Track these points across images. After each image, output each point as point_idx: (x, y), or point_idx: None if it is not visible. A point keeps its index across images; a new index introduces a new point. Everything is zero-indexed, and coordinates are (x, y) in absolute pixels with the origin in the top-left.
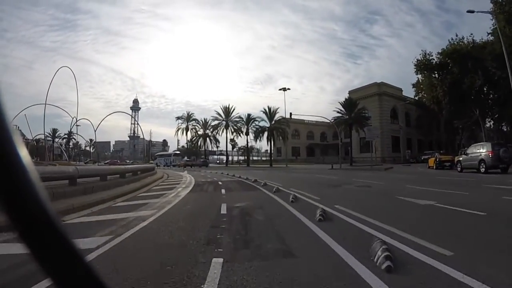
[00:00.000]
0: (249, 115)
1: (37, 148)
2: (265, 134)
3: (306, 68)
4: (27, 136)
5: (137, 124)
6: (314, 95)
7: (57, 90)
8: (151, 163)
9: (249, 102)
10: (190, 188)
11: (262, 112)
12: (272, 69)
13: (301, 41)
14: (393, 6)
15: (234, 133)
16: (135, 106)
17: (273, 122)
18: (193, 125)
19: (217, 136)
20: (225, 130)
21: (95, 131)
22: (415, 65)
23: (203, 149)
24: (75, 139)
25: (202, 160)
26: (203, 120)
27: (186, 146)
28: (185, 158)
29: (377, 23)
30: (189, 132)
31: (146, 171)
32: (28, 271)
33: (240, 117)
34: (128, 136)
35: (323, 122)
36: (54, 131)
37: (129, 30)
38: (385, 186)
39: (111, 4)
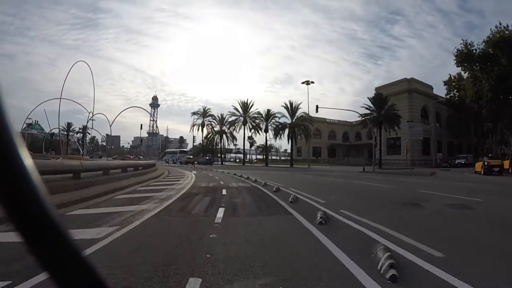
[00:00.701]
0: (268, 110)
1: (51, 142)
2: (286, 131)
3: (326, 68)
4: (45, 130)
5: (154, 120)
6: (334, 96)
7: (79, 87)
8: (152, 159)
9: (269, 101)
10: (167, 204)
11: (283, 108)
12: (292, 69)
13: (321, 41)
14: (414, 6)
15: (252, 130)
16: (154, 103)
17: (294, 118)
18: (209, 121)
19: (234, 133)
20: (242, 127)
21: (110, 126)
22: (455, 55)
23: (220, 146)
24: (89, 133)
25: (206, 158)
26: (220, 116)
27: (202, 143)
28: (186, 155)
29: (398, 24)
30: (205, 129)
31: (146, 167)
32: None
33: (259, 113)
34: (147, 133)
35: (345, 121)
36: (69, 125)
37: (150, 29)
38: (499, 206)
39: (132, 3)
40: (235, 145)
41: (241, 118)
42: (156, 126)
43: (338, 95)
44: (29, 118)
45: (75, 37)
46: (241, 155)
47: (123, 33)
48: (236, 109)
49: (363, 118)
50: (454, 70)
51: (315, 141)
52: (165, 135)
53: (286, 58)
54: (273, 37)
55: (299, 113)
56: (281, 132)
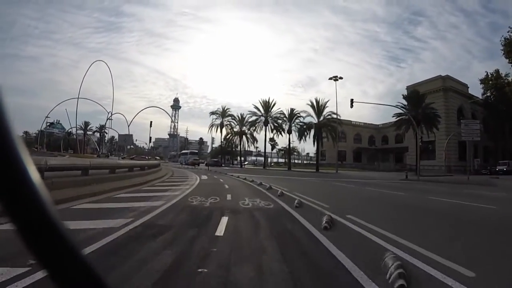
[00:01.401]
0: (292, 110)
1: (68, 141)
2: (311, 133)
3: (349, 71)
4: (66, 130)
5: (175, 122)
6: (356, 99)
7: (102, 88)
8: (157, 158)
9: (291, 105)
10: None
11: (307, 108)
12: (314, 72)
13: (343, 44)
14: (436, 6)
15: (274, 131)
16: (176, 105)
17: (321, 118)
18: (228, 121)
19: (255, 135)
20: (263, 128)
21: (128, 125)
22: (503, 45)
23: (239, 148)
24: (106, 133)
25: (214, 160)
26: (240, 116)
27: (221, 145)
28: (194, 157)
29: (421, 25)
30: (224, 129)
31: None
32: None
33: (281, 112)
34: (168, 134)
35: (371, 124)
36: (86, 124)
37: (171, 32)
38: None
39: (154, 7)
40: (256, 147)
41: (262, 118)
42: (175, 128)
43: (361, 97)
44: (48, 117)
45: (99, 40)
46: (262, 158)
47: (145, 36)
48: (257, 108)
49: (398, 118)
50: (477, 72)
51: (340, 145)
52: (188, 137)
53: (308, 61)
54: (294, 39)
55: (326, 112)
56: (306, 133)
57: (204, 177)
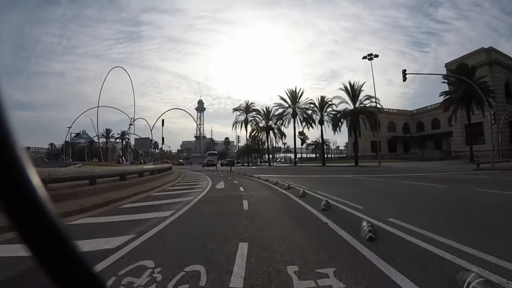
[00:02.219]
0: (322, 97)
1: (91, 149)
2: (345, 123)
3: (372, 60)
4: (92, 138)
5: (200, 124)
6: (382, 89)
7: (127, 97)
8: (165, 161)
9: (315, 98)
10: None
11: (341, 93)
12: (337, 64)
13: (364, 33)
14: None
15: (304, 124)
16: (200, 107)
17: (357, 104)
18: (253, 117)
19: (283, 129)
20: (292, 121)
21: (151, 130)
22: None
23: (266, 145)
24: (128, 139)
25: (228, 159)
26: (265, 110)
27: (246, 143)
28: (208, 158)
29: (442, 6)
30: (248, 126)
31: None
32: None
33: (311, 102)
34: (194, 137)
35: (405, 111)
36: (108, 131)
37: (191, 36)
38: None
39: (172, 13)
40: (284, 143)
41: (290, 110)
42: (199, 129)
43: (387, 86)
44: (69, 127)
45: (121, 51)
46: (291, 155)
47: (166, 42)
48: (283, 99)
49: (446, 97)
50: (506, 51)
51: (372, 134)
52: (214, 138)
53: (330, 54)
54: (314, 33)
55: (361, 97)
56: (340, 122)
57: (220, 184)
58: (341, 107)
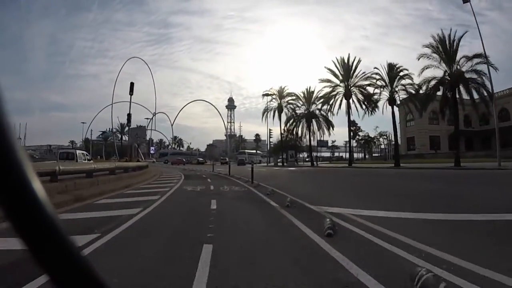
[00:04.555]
0: (392, 65)
1: (104, 146)
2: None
3: (404, 56)
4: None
5: (230, 122)
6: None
7: (160, 97)
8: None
9: (382, 67)
10: None
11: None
12: (368, 60)
13: (395, 27)
14: None
15: (362, 106)
16: (231, 105)
17: (455, 66)
18: (288, 102)
19: (330, 117)
20: (343, 103)
21: (171, 125)
22: None
23: (308, 137)
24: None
25: (241, 159)
26: (306, 91)
27: (281, 137)
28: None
29: None
30: (283, 115)
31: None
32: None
33: (376, 73)
34: (225, 135)
35: (465, 99)
36: (122, 126)
37: (220, 36)
38: None
39: (200, 14)
40: (330, 134)
41: (340, 87)
42: (226, 127)
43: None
44: (84, 123)
45: (152, 52)
46: (337, 152)
47: (195, 43)
48: (331, 71)
49: None
50: None
51: (432, 128)
52: (244, 137)
53: (361, 49)
54: (344, 29)
55: (460, 56)
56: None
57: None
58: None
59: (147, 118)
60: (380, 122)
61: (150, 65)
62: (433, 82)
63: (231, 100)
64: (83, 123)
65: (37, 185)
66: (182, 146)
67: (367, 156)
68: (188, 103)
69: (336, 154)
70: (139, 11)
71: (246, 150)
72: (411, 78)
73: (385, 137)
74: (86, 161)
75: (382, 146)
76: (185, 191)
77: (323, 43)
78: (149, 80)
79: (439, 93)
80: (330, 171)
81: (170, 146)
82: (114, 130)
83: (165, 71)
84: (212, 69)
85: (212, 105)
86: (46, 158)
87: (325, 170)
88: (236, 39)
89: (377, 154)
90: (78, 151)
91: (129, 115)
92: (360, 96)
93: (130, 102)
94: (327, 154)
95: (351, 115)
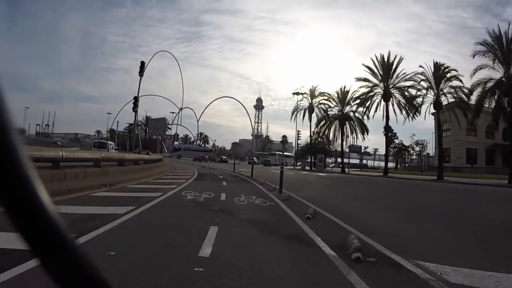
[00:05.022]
0: (438, 65)
1: (129, 138)
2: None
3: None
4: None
5: (257, 122)
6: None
7: (189, 94)
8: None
9: (427, 66)
10: None
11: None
12: (401, 67)
13: (428, 34)
14: None
15: (404, 108)
16: (259, 105)
17: None
18: (320, 103)
19: (364, 119)
20: (381, 104)
21: (197, 120)
22: None
23: (341, 140)
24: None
25: (265, 159)
26: (340, 91)
27: (310, 139)
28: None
29: (510, 5)
30: (314, 116)
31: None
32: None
33: (422, 73)
34: (251, 135)
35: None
36: (147, 119)
37: (251, 36)
38: None
39: (232, 14)
40: (364, 138)
41: (379, 87)
42: (252, 127)
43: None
44: (109, 113)
45: (183, 50)
46: (365, 159)
47: (226, 42)
48: (370, 69)
49: None
50: None
51: (469, 140)
52: (272, 138)
53: (392, 56)
54: (375, 34)
55: None
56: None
57: None
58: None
59: (173, 112)
60: (406, 130)
61: (181, 62)
62: (489, 84)
63: (259, 100)
64: (108, 113)
65: (36, 181)
66: (207, 143)
67: (398, 166)
68: (215, 100)
69: (363, 161)
70: (172, 8)
71: (277, 152)
72: (460, 80)
73: (421, 146)
74: (114, 151)
75: (413, 157)
76: (181, 200)
77: (354, 48)
78: (178, 77)
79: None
80: (369, 181)
81: (195, 142)
82: (139, 123)
83: (195, 69)
84: (242, 69)
85: (240, 102)
86: (70, 146)
87: (362, 179)
88: (266, 40)
89: (406, 164)
90: (109, 142)
91: (135, 98)
92: (401, 99)
93: (140, 83)
94: (354, 161)
95: (388, 120)
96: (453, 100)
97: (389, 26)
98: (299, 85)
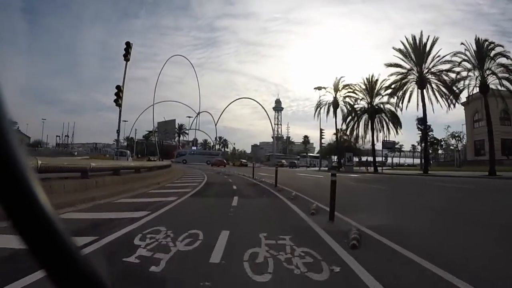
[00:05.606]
0: (480, 40)
1: (146, 146)
2: None
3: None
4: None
5: (277, 124)
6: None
7: (206, 100)
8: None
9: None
10: None
11: None
12: (435, 49)
13: (445, 24)
14: None
15: (445, 95)
16: (278, 107)
17: None
18: (345, 95)
19: (398, 112)
20: (414, 92)
21: (215, 124)
22: None
23: (370, 138)
24: (187, 134)
25: (291, 161)
26: (367, 81)
27: (336, 136)
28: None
29: None
30: (339, 111)
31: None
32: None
33: (463, 53)
34: (271, 137)
35: None
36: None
37: (265, 39)
38: None
39: (245, 17)
40: (397, 132)
41: (413, 72)
42: (273, 128)
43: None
44: (124, 120)
45: (199, 56)
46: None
47: (241, 46)
48: (401, 52)
49: None
50: None
51: (504, 130)
52: (292, 139)
53: (425, 37)
54: (391, 27)
55: None
56: None
57: None
58: None
59: (189, 117)
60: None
61: (198, 68)
62: None
63: (278, 102)
64: (124, 121)
65: (36, 185)
66: (227, 147)
67: (431, 162)
68: (234, 101)
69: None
70: (185, 15)
71: (309, 154)
72: (507, 57)
73: (458, 138)
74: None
75: (439, 151)
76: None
77: (370, 43)
78: (196, 83)
79: None
80: (420, 183)
81: (214, 147)
82: (155, 130)
83: (212, 74)
84: (259, 71)
85: (258, 102)
86: (82, 155)
87: (407, 180)
88: (281, 41)
89: (441, 160)
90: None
91: (118, 88)
92: (440, 85)
93: (126, 68)
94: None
95: (425, 109)
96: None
97: (405, 18)
98: (316, 84)
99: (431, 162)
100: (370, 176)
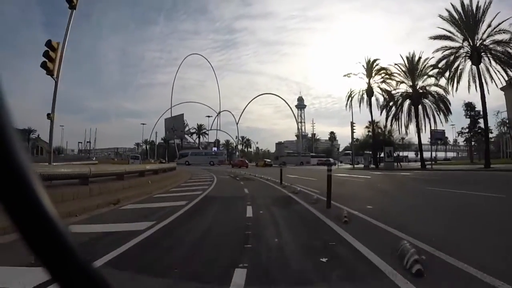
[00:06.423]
0: None
1: (166, 148)
2: None
3: None
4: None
5: (300, 122)
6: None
7: (228, 101)
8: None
9: None
10: None
11: None
12: (489, 15)
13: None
14: None
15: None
16: (300, 104)
17: None
18: (381, 80)
19: (447, 94)
20: (466, 69)
21: (237, 123)
22: None
23: (417, 124)
24: (207, 134)
25: (329, 162)
26: (407, 60)
27: (372, 128)
28: None
29: None
30: (373, 99)
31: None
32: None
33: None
34: (295, 135)
35: None
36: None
37: (285, 37)
38: None
39: (263, 18)
40: (447, 119)
41: (465, 45)
42: (298, 127)
43: (497, 74)
44: (142, 123)
45: (219, 58)
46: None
47: (261, 46)
48: (449, 21)
49: None
50: None
51: None
52: (317, 137)
53: (432, 39)
54: (411, 19)
55: None
56: None
57: None
58: None
59: (209, 116)
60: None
61: (219, 71)
62: None
63: (300, 99)
64: (143, 124)
65: (42, 192)
66: (250, 147)
67: (475, 154)
68: (255, 97)
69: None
70: (204, 19)
71: (349, 152)
72: None
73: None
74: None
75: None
76: None
77: (390, 37)
78: (215, 86)
79: None
80: (502, 182)
81: (236, 147)
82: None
83: (233, 76)
84: (279, 70)
85: (282, 98)
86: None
87: (482, 179)
88: (300, 39)
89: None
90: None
91: (49, 45)
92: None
93: (71, 16)
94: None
95: (483, 90)
96: None
97: (425, 8)
98: (337, 81)
99: (475, 154)
100: (424, 174)
